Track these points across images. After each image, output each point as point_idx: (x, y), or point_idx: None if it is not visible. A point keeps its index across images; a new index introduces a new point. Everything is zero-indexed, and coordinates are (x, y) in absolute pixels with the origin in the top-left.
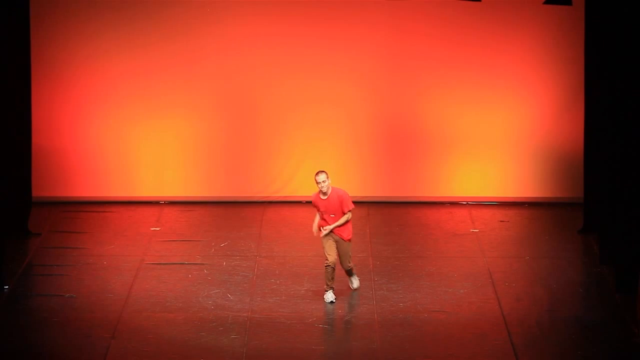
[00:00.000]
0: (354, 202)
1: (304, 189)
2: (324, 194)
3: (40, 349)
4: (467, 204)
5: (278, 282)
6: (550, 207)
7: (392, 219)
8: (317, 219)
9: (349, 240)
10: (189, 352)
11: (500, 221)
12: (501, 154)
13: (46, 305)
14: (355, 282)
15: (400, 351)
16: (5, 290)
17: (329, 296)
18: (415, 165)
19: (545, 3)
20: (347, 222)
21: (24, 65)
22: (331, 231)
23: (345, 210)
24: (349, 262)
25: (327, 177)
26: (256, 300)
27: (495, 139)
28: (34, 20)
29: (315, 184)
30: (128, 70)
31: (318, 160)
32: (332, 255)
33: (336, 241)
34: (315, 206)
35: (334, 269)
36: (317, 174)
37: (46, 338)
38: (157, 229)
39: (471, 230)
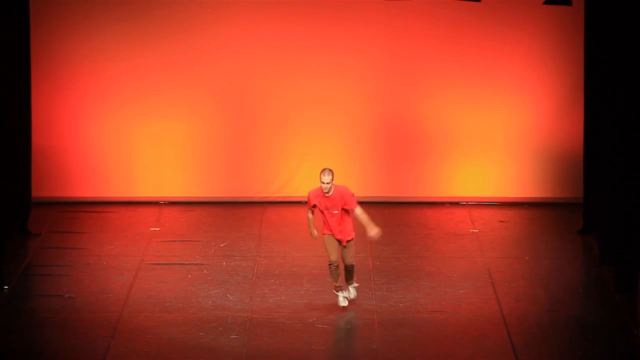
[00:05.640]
0: None
1: (304, 189)
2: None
3: (40, 349)
4: (467, 204)
5: (278, 282)
6: (550, 207)
7: (392, 219)
8: (312, 218)
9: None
10: (188, 352)
11: (500, 221)
12: (501, 154)
13: (46, 305)
14: (353, 292)
15: (400, 351)
16: (5, 290)
17: (341, 300)
18: (415, 165)
19: (545, 3)
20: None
21: (23, 64)
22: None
23: (353, 208)
24: (352, 259)
25: (332, 179)
26: (256, 300)
27: (495, 139)
28: (33, 20)
29: (320, 182)
30: (128, 69)
31: (318, 160)
32: (333, 254)
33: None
34: (314, 202)
35: (337, 266)
36: (323, 172)
37: (46, 338)
38: (157, 229)
39: (471, 230)
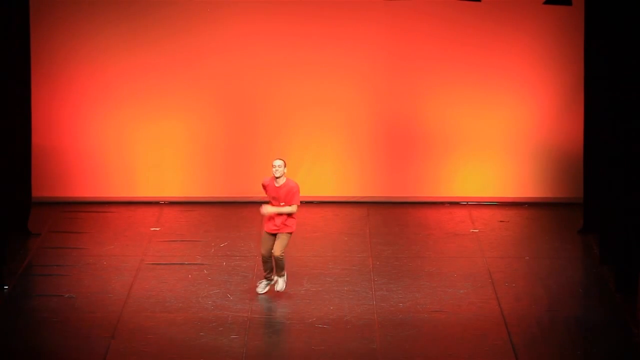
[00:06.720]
0: (355, 203)
1: (303, 189)
2: (277, 179)
3: (40, 349)
4: (467, 204)
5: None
6: (550, 207)
7: (392, 219)
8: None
9: (289, 233)
10: (189, 352)
11: (500, 221)
12: (501, 154)
13: (46, 305)
14: (281, 284)
15: (400, 351)
16: (5, 290)
17: (262, 287)
18: (415, 165)
19: (545, 3)
20: (289, 214)
21: (23, 64)
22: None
23: (291, 204)
24: (281, 251)
25: (284, 165)
26: (256, 300)
27: (495, 139)
28: (33, 20)
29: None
30: (128, 69)
31: (318, 160)
32: (263, 249)
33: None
34: (265, 189)
35: (267, 260)
36: (275, 159)
37: (46, 338)
38: (157, 229)
39: (471, 230)
